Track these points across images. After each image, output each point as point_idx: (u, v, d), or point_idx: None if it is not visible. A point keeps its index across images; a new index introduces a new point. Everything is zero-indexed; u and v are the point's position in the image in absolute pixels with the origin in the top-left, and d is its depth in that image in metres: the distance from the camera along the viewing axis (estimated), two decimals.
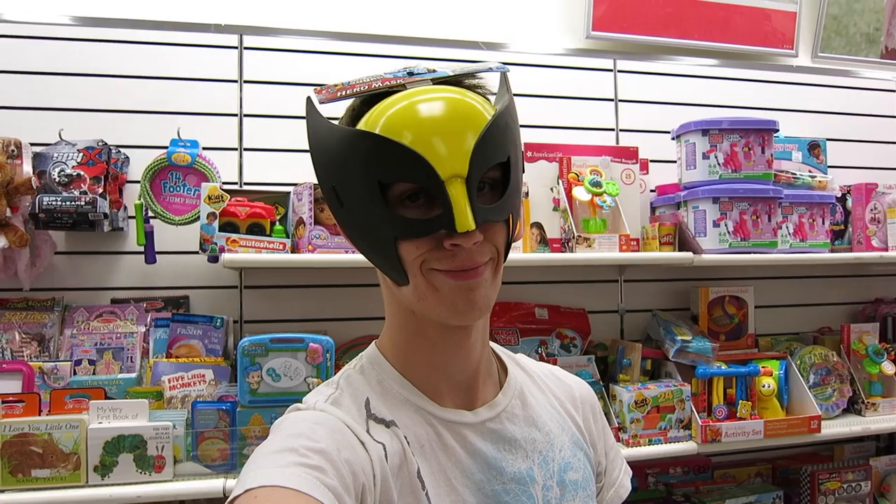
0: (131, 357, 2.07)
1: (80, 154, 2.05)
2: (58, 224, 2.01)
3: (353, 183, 0.83)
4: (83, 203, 1.98)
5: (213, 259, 1.99)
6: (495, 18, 2.59)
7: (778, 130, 2.41)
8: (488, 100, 0.90)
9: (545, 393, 1.05)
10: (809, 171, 2.69)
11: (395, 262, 0.84)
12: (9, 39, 2.18)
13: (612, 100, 2.67)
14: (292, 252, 2.02)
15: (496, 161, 0.83)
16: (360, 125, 0.84)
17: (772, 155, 2.38)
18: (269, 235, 1.99)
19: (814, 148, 2.75)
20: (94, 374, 2.02)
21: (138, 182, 2.11)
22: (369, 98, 0.87)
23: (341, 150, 0.83)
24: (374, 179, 0.81)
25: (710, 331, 2.51)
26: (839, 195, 2.68)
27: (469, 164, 0.79)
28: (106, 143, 2.09)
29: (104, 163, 2.06)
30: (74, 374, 1.99)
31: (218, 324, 2.14)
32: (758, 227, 2.32)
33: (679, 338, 2.32)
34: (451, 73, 0.90)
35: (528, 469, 0.93)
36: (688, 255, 2.26)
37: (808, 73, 2.92)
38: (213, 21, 2.29)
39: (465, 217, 0.78)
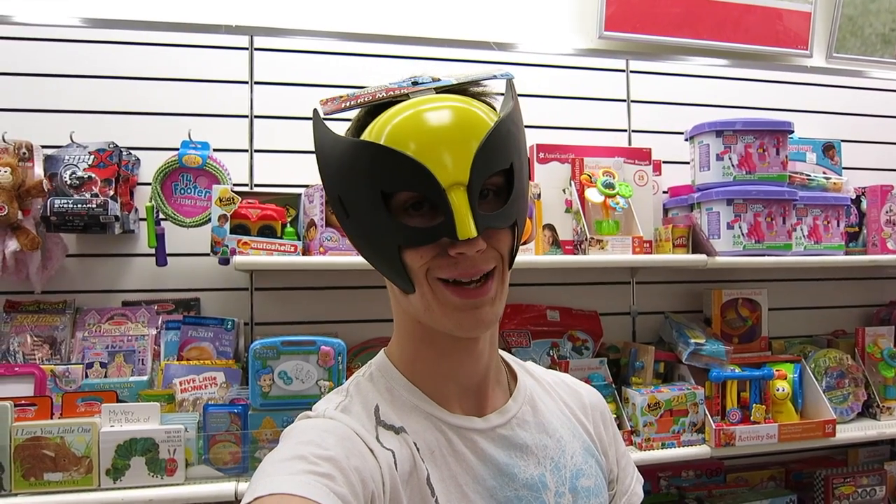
0: (142, 360, 2.08)
1: (92, 156, 2.05)
2: (69, 227, 2.01)
3: (358, 193, 0.84)
4: (94, 205, 1.98)
5: (224, 261, 1.99)
6: (506, 19, 2.58)
7: (793, 132, 2.39)
8: (493, 107, 0.90)
9: (555, 400, 1.05)
10: (824, 173, 2.66)
11: (400, 271, 0.85)
12: (20, 42, 2.18)
13: (624, 100, 2.65)
14: (303, 254, 2.02)
15: (499, 168, 0.83)
16: (364, 136, 0.85)
17: (786, 156, 2.36)
18: (280, 237, 1.99)
19: (828, 149, 2.73)
20: (105, 376, 2.02)
21: (149, 184, 2.11)
22: (374, 108, 0.88)
23: (345, 161, 0.84)
24: (376, 189, 0.82)
25: (724, 333, 2.50)
26: (854, 197, 2.65)
27: (470, 171, 0.80)
28: (117, 146, 2.10)
29: (115, 165, 2.06)
30: (86, 376, 1.99)
31: (229, 326, 2.14)
32: (772, 230, 2.30)
33: (692, 341, 2.30)
34: (455, 82, 0.90)
35: (540, 475, 0.93)
36: (701, 257, 2.24)
37: (822, 73, 2.90)
38: (224, 22, 2.29)
39: (466, 225, 0.78)
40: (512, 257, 0.88)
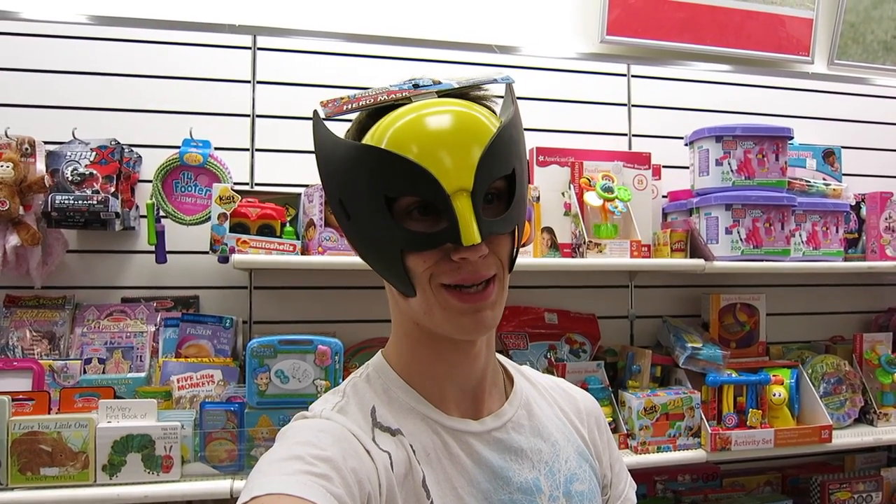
0: (141, 356, 2.08)
1: (93, 153, 2.06)
2: (70, 223, 2.02)
3: (360, 197, 0.83)
4: (95, 202, 1.99)
5: (224, 259, 2.00)
6: (509, 22, 2.58)
7: (792, 138, 2.40)
8: (494, 112, 0.90)
9: (551, 404, 1.05)
10: (824, 179, 2.66)
11: (402, 275, 0.85)
12: (24, 38, 2.19)
13: (625, 105, 2.66)
14: (302, 254, 2.02)
15: (501, 174, 0.83)
16: (366, 139, 0.84)
17: (786, 162, 2.37)
18: (280, 237, 2.00)
19: (828, 155, 2.73)
20: (103, 372, 2.03)
21: (150, 181, 2.12)
22: (375, 111, 0.87)
23: (347, 164, 0.84)
24: (380, 193, 0.81)
25: (721, 338, 2.50)
26: (853, 203, 2.65)
27: (474, 177, 0.80)
28: (119, 143, 2.10)
29: (117, 162, 2.07)
30: (84, 372, 2.00)
31: (227, 324, 2.14)
32: (770, 235, 2.30)
33: (689, 345, 2.30)
34: (457, 86, 0.90)
35: (534, 479, 0.93)
36: (699, 261, 2.25)
37: (823, 80, 2.90)
38: (227, 21, 2.30)
39: (470, 231, 0.78)
40: (512, 262, 0.88)
